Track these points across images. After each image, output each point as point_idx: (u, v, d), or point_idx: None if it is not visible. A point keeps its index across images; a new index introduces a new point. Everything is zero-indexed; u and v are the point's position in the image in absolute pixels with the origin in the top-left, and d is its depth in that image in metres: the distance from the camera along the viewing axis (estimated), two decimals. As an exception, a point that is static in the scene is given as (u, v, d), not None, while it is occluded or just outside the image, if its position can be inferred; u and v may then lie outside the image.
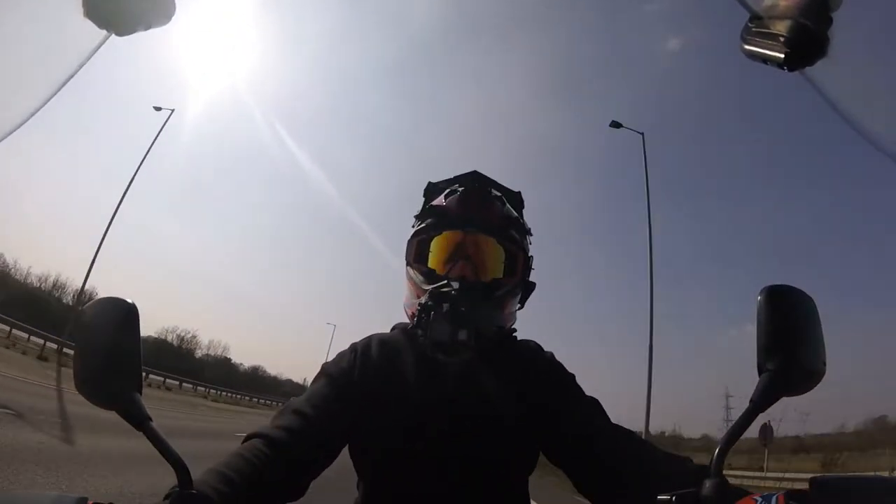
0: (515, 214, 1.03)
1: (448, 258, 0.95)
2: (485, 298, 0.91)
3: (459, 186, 1.02)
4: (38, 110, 0.52)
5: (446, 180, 1.03)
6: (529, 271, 1.02)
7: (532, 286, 1.03)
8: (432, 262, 0.96)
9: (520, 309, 1.03)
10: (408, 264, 1.00)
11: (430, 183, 1.04)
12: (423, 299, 0.90)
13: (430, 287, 0.92)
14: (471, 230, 0.95)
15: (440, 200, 1.02)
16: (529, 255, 1.02)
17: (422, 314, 0.88)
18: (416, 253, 0.99)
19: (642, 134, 16.82)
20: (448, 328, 0.85)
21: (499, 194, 1.03)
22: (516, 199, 1.05)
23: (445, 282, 0.91)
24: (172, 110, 20.42)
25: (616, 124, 16.82)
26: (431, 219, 0.99)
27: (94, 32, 0.54)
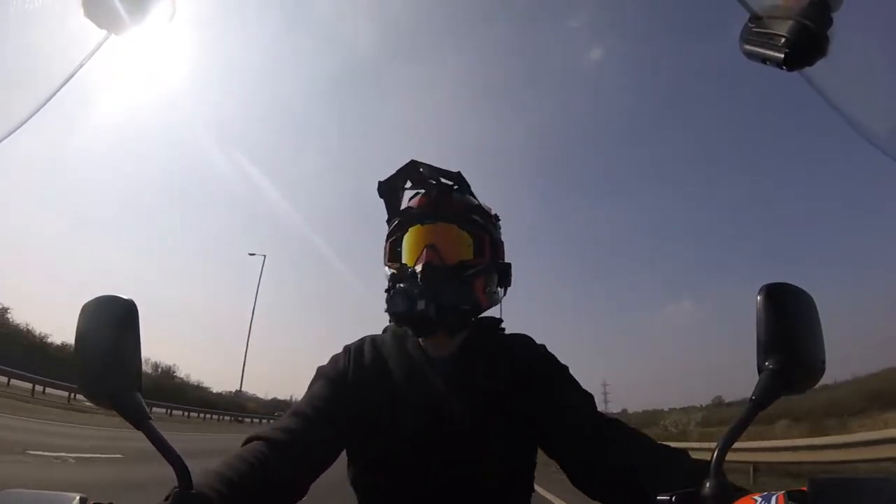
0: (477, 202, 1.07)
1: (415, 250, 0.99)
2: (451, 276, 0.95)
3: (421, 189, 1.06)
4: (37, 110, 0.52)
5: (391, 176, 1.06)
6: (501, 253, 1.06)
7: (507, 267, 1.06)
8: (404, 257, 1.01)
9: (504, 294, 1.06)
10: (386, 266, 1.04)
11: (379, 182, 1.07)
12: (390, 286, 0.95)
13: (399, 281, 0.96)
14: (430, 221, 1.00)
15: (405, 202, 1.08)
16: (500, 237, 1.06)
17: (387, 298, 0.95)
18: (390, 253, 1.04)
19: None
20: (405, 301, 0.91)
21: (450, 184, 1.06)
22: (460, 180, 1.07)
23: (411, 269, 0.96)
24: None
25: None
26: (397, 220, 1.05)
27: (94, 32, 0.54)
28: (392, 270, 1.01)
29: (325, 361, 1.03)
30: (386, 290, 0.95)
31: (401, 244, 1.02)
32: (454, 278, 0.95)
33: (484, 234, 1.02)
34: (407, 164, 1.04)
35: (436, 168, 1.04)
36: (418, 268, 0.94)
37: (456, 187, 1.06)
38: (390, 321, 1.00)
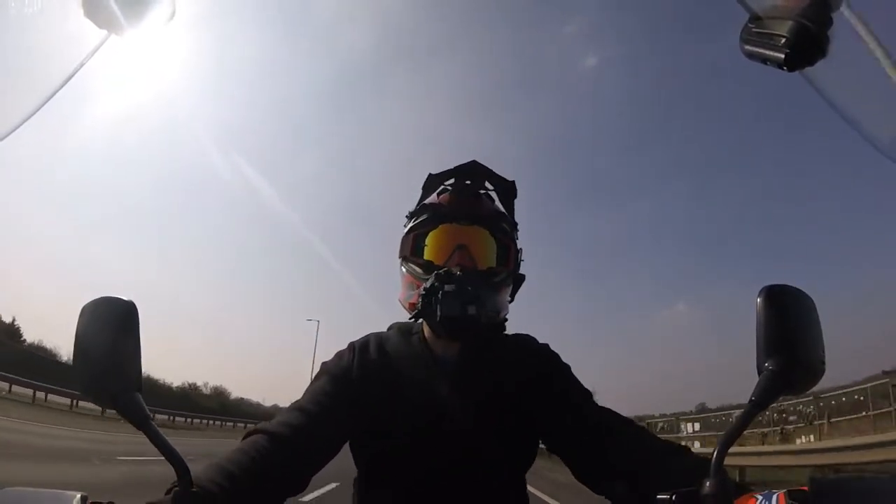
0: (503, 210, 1.06)
1: (445, 249, 0.97)
2: (484, 283, 0.94)
3: (450, 185, 1.05)
4: (37, 110, 0.52)
5: (446, 171, 1.05)
6: (519, 264, 1.04)
7: (522, 278, 1.05)
8: (429, 254, 0.99)
9: (510, 302, 1.05)
10: (404, 259, 1.02)
11: (430, 175, 1.06)
12: (427, 283, 0.92)
13: (430, 276, 0.93)
14: (465, 222, 0.98)
15: (433, 198, 1.05)
16: (519, 247, 1.04)
17: (427, 297, 0.90)
18: (412, 247, 1.02)
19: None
20: (458, 304, 0.88)
21: (490, 188, 1.06)
22: (510, 189, 1.07)
23: (447, 268, 0.93)
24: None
25: None
26: (425, 215, 1.02)
27: (94, 33, 0.54)
28: (413, 265, 0.99)
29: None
30: (427, 290, 0.91)
31: (424, 239, 1.01)
32: (486, 284, 0.94)
33: (509, 242, 1.01)
34: (467, 163, 1.03)
35: (492, 173, 1.04)
36: (456, 269, 0.91)
37: (483, 192, 1.05)
38: (414, 318, 0.97)
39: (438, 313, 0.88)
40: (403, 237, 1.04)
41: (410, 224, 1.03)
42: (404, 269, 1.02)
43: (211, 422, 33.05)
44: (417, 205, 1.06)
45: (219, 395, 43.28)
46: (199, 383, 42.43)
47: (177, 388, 38.53)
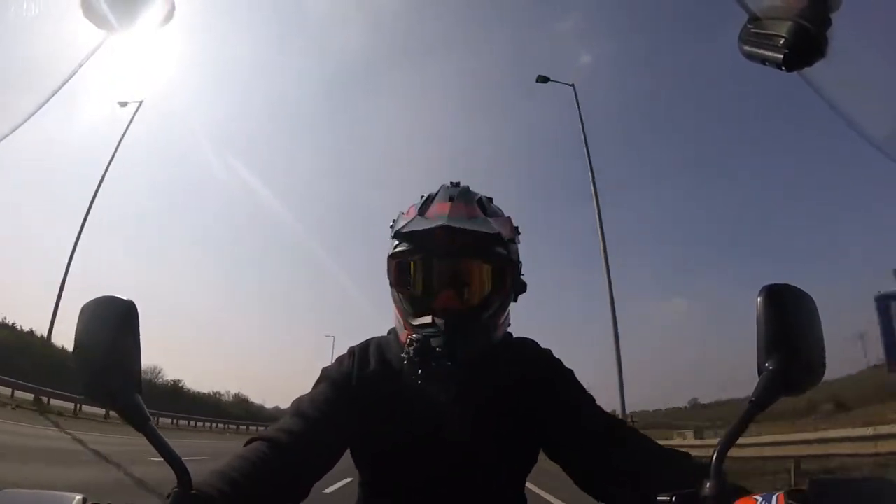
0: (497, 231, 0.91)
1: (431, 286, 0.91)
2: (474, 325, 0.90)
3: (434, 195, 0.97)
4: (36, 111, 0.52)
5: (418, 231, 0.92)
6: (519, 276, 0.98)
7: (523, 286, 1.00)
8: (416, 286, 0.93)
9: (514, 301, 1.00)
10: (391, 286, 0.97)
11: (399, 232, 0.95)
12: (410, 349, 0.86)
13: (416, 322, 0.89)
14: (452, 253, 0.91)
15: (412, 210, 0.97)
16: (518, 261, 0.98)
17: (410, 365, 0.87)
18: (397, 277, 0.95)
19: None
20: (434, 384, 0.86)
21: (479, 197, 0.98)
22: (498, 240, 0.93)
23: (430, 320, 0.88)
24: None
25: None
26: (409, 242, 0.93)
27: (93, 33, 0.54)
28: (401, 296, 0.94)
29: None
30: (409, 359, 0.86)
31: (409, 267, 0.93)
32: (477, 324, 0.90)
33: (505, 265, 0.93)
34: (439, 227, 0.88)
35: (469, 231, 0.89)
36: (439, 322, 0.86)
37: (479, 197, 0.97)
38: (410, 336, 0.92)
39: (420, 392, 0.88)
40: (388, 258, 0.95)
41: (392, 250, 0.95)
42: (394, 297, 0.96)
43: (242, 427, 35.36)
44: (399, 220, 0.97)
45: (240, 402, 46.41)
46: (222, 391, 45.29)
47: (204, 393, 41.32)
